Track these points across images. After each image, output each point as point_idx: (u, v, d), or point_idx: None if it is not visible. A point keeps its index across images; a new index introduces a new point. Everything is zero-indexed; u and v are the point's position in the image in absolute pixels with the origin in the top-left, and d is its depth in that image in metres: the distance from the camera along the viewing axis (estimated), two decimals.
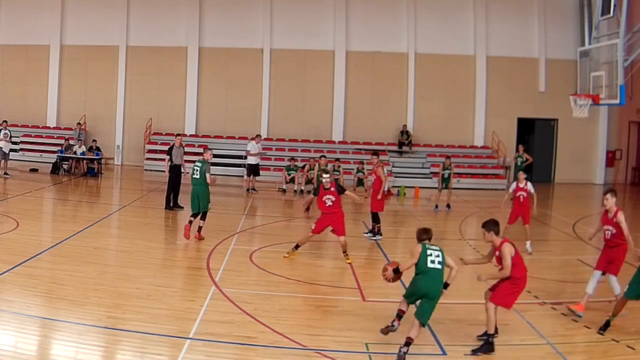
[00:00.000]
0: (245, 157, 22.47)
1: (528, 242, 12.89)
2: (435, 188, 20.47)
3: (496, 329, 7.54)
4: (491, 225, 7.67)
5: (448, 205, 19.38)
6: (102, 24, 28.26)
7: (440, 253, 7.43)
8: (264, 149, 23.46)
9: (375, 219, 14.16)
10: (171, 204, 16.67)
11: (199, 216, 13.06)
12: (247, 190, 21.64)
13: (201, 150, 15.14)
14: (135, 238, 13.18)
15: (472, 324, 8.59)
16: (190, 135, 27.43)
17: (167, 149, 17.09)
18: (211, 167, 13.86)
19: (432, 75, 27.86)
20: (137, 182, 24.50)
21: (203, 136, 27.49)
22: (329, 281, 10.32)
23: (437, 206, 19.34)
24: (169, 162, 16.67)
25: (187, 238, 12.78)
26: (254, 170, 21.81)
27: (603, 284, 10.73)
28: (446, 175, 19.82)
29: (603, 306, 9.35)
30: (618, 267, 9.00)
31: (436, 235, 14.18)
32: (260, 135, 23.09)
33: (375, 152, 15.09)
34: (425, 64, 27.84)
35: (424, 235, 7.65)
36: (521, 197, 13.27)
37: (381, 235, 14.06)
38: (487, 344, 7.42)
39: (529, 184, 13.42)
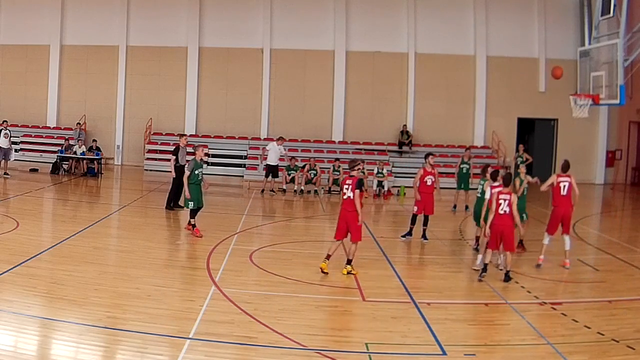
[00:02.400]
0: (245, 157, 22.42)
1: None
2: (453, 188, 19.23)
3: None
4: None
5: (467, 207, 18.27)
6: (102, 24, 28.27)
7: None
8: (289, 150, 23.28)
9: (426, 221, 13.86)
10: (172, 204, 16.66)
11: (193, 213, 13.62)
12: (263, 190, 21.22)
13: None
14: (135, 238, 13.18)
15: (472, 324, 8.60)
16: (190, 135, 27.34)
17: (172, 149, 16.97)
18: (211, 166, 13.93)
19: (432, 75, 27.86)
20: (137, 182, 24.50)
21: (203, 136, 27.48)
22: (329, 281, 10.32)
23: (455, 206, 18.56)
24: (175, 163, 16.60)
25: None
26: (273, 171, 21.41)
27: (602, 284, 10.78)
28: (464, 170, 18.88)
29: (603, 306, 9.37)
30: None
31: (435, 235, 14.30)
32: (283, 138, 22.39)
33: (431, 153, 14.21)
34: (425, 64, 27.83)
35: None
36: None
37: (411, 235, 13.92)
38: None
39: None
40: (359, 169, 10.65)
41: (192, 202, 13.48)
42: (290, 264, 11.31)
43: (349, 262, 10.64)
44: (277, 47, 28.15)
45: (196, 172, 13.54)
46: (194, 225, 13.49)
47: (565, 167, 12.08)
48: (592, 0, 23.71)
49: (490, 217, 10.48)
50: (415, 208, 13.85)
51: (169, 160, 17.07)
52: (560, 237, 11.78)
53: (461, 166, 19.21)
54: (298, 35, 27.97)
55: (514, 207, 10.33)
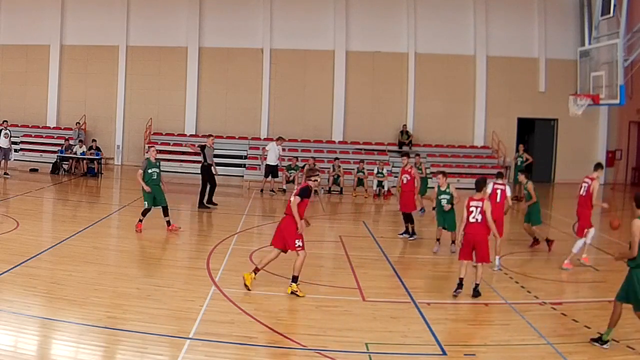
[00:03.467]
0: (245, 157, 22.37)
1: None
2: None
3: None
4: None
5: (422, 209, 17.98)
6: (102, 24, 28.24)
7: None
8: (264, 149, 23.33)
9: (409, 219, 14.16)
10: (205, 203, 17.08)
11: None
12: (262, 190, 21.32)
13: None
14: (135, 238, 13.17)
15: (472, 324, 8.61)
16: (190, 135, 27.43)
17: (199, 149, 17.60)
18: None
19: (432, 75, 27.85)
20: (137, 182, 24.42)
21: (203, 136, 27.41)
22: (329, 281, 10.32)
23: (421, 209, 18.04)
24: (203, 162, 17.24)
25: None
26: (272, 171, 21.44)
27: (602, 284, 10.77)
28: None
29: (603, 306, 9.36)
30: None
31: (434, 235, 14.27)
32: (283, 138, 22.35)
33: (406, 153, 15.07)
34: (425, 64, 27.82)
35: None
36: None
37: (416, 234, 14.16)
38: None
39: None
40: (315, 180, 9.92)
41: (146, 202, 13.61)
42: (290, 264, 11.27)
43: (294, 279, 9.34)
44: (277, 47, 28.14)
45: (149, 171, 13.69)
46: (140, 220, 13.52)
47: (595, 167, 12.29)
48: (592, 0, 23.71)
49: (461, 226, 9.70)
50: (398, 206, 14.47)
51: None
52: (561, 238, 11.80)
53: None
54: (298, 35, 27.96)
55: (488, 215, 9.44)
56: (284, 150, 22.48)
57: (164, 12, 28.29)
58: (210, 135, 18.47)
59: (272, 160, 21.41)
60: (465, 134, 27.96)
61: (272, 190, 21.35)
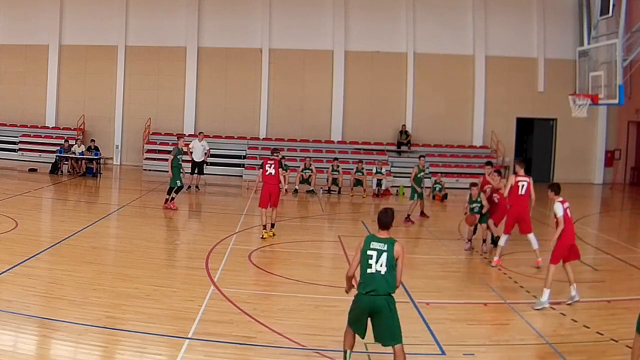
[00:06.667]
0: (244, 157, 22.24)
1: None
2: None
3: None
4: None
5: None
6: (101, 23, 28.20)
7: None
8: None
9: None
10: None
11: None
12: (189, 187, 20.89)
13: None
14: (134, 238, 13.18)
15: (471, 323, 8.60)
16: (189, 135, 27.35)
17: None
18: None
19: (431, 75, 27.83)
20: (136, 182, 24.48)
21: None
22: (328, 281, 10.31)
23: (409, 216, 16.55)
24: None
25: None
26: (198, 167, 21.46)
27: (601, 284, 10.78)
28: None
29: (602, 306, 9.37)
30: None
31: (434, 235, 14.30)
32: (203, 133, 22.91)
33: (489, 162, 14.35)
34: (424, 64, 27.81)
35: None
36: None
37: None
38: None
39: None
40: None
41: (177, 181, 15.99)
42: (289, 264, 11.30)
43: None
44: (276, 47, 28.11)
45: (178, 157, 16.11)
46: (172, 199, 14.59)
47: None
48: (591, 0, 23.72)
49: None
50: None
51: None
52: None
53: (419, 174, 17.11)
54: (297, 35, 27.93)
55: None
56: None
57: (162, 12, 28.24)
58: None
59: (197, 157, 21.49)
60: (464, 134, 27.95)
61: (197, 187, 21.24)
